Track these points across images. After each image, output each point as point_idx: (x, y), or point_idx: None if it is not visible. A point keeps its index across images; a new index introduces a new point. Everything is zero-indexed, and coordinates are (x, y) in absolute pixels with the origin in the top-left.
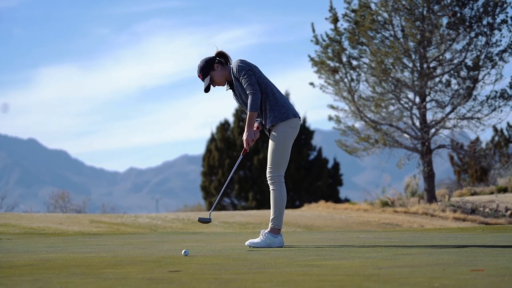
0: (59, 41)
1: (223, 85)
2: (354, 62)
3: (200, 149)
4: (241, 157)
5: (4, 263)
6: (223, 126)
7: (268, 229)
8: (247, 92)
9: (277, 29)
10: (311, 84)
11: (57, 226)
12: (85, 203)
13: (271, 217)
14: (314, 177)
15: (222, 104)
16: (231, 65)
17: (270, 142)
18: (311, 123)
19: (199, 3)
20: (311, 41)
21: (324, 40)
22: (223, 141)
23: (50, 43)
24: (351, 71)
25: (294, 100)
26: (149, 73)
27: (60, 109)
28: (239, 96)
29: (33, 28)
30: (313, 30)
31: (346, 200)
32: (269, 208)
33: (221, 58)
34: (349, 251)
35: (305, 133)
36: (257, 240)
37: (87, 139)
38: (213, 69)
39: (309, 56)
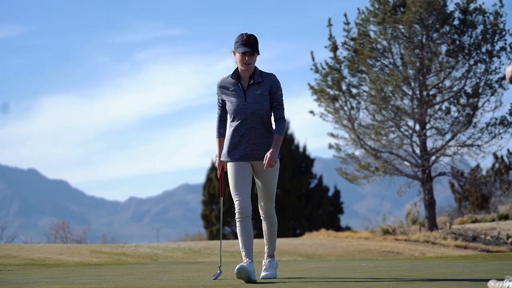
0: (59, 70)
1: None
2: (354, 90)
3: (200, 178)
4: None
5: None
6: None
7: (271, 257)
8: (281, 116)
9: (277, 57)
10: (311, 112)
11: (58, 257)
12: (85, 233)
13: (273, 246)
14: (315, 205)
15: None
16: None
17: (271, 175)
18: (312, 151)
19: (199, 32)
20: (311, 69)
21: (323, 68)
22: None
23: (50, 72)
24: (351, 99)
25: (294, 128)
26: (150, 102)
27: (60, 139)
28: (246, 98)
29: (33, 57)
30: (313, 59)
31: (347, 228)
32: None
33: None
34: (351, 281)
35: (306, 161)
36: (270, 272)
37: (87, 169)
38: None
39: (308, 84)
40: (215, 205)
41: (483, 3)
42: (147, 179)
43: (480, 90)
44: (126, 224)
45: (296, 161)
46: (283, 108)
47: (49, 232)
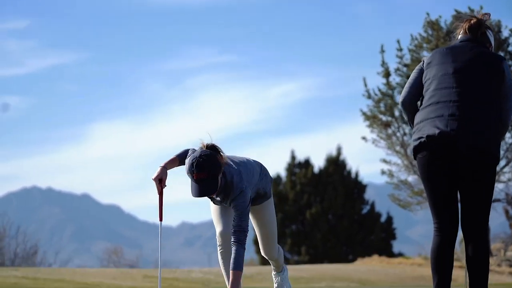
0: (111, 97)
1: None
2: None
3: None
4: None
5: None
6: (275, 181)
7: (280, 272)
8: (241, 228)
9: (329, 83)
10: (363, 138)
11: (111, 281)
12: (138, 258)
13: (280, 262)
14: (367, 231)
15: (275, 159)
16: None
17: (266, 213)
18: (364, 177)
19: (251, 58)
20: (363, 95)
21: (376, 95)
22: (275, 196)
23: (102, 99)
24: (404, 125)
25: (346, 154)
26: (201, 128)
27: (113, 164)
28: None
29: (86, 84)
30: (365, 85)
31: (400, 254)
32: (322, 263)
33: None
34: None
35: (358, 187)
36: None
37: (140, 194)
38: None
39: (361, 110)
40: None
41: None
42: (199, 204)
43: None
44: (178, 249)
45: (348, 187)
46: (244, 215)
47: (102, 256)
